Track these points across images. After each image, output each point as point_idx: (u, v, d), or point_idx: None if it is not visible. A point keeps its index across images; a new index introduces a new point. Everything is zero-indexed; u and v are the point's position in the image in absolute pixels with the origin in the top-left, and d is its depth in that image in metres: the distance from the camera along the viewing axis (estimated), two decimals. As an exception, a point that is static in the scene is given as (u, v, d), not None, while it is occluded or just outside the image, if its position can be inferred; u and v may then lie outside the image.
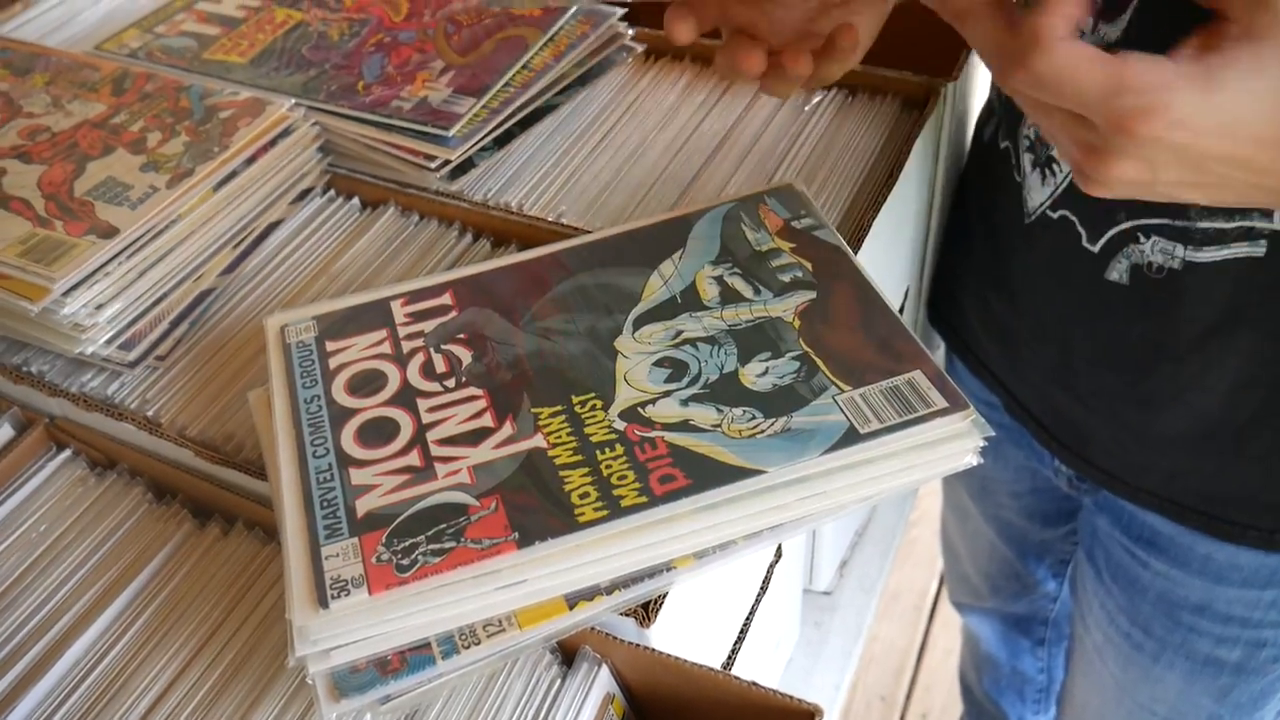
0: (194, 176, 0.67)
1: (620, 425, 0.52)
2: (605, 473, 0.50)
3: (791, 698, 0.47)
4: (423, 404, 0.55)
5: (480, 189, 0.73)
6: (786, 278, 0.59)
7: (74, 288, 0.61)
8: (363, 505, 0.50)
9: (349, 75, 0.77)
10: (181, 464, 0.60)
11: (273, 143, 0.71)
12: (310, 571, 0.47)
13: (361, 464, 0.52)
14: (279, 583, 0.55)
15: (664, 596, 0.50)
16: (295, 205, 0.73)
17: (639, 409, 0.53)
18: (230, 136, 0.70)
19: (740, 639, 0.62)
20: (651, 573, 0.48)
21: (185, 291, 0.67)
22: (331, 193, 0.75)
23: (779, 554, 0.65)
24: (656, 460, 0.50)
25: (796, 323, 0.57)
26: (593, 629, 0.50)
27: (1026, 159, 0.66)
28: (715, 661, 0.60)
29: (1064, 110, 0.42)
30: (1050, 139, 0.47)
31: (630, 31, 0.80)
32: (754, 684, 0.48)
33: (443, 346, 0.58)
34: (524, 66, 0.75)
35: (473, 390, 0.55)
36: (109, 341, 0.63)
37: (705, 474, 0.49)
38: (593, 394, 0.54)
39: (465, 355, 0.57)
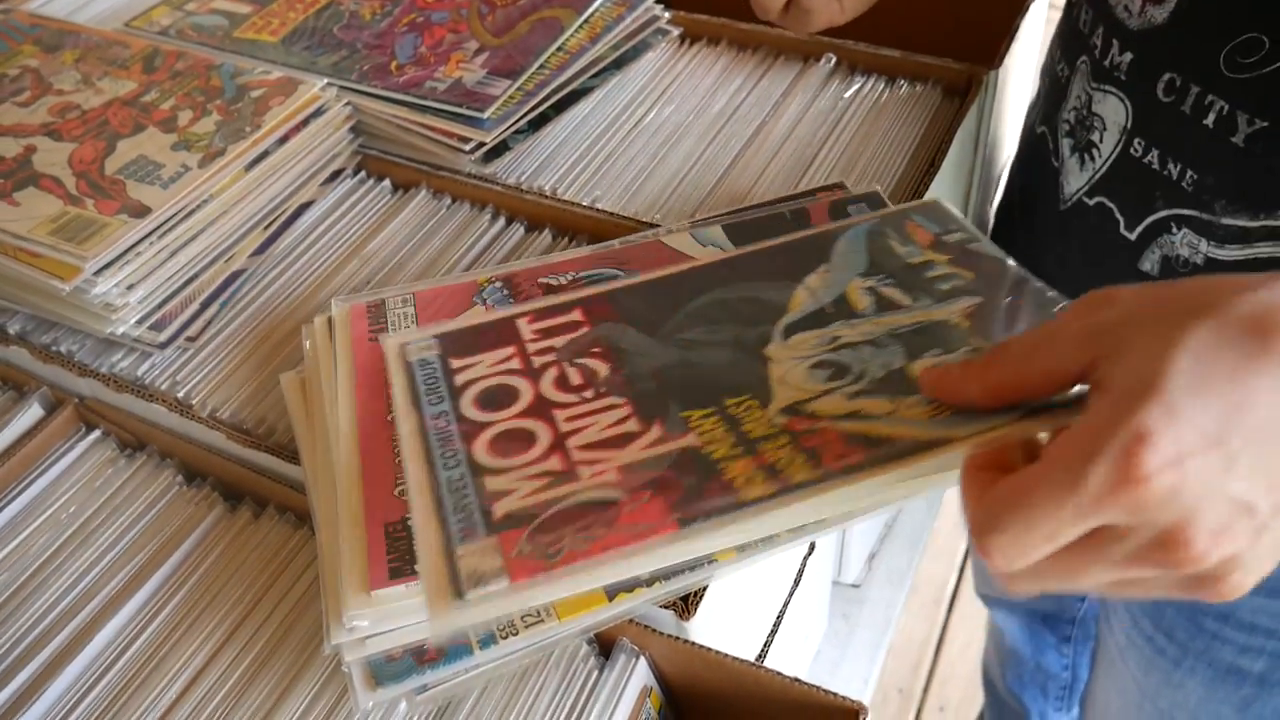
0: (226, 156, 0.66)
1: (782, 420, 0.49)
2: (771, 460, 0.47)
3: (835, 694, 0.46)
4: (559, 414, 0.51)
5: (514, 172, 0.72)
6: (945, 286, 0.56)
7: (105, 267, 0.61)
8: (501, 508, 0.46)
9: (381, 55, 0.76)
10: (212, 446, 0.59)
11: (305, 123, 0.70)
12: (445, 569, 0.44)
13: (497, 472, 0.48)
14: (311, 568, 0.54)
15: (704, 589, 0.49)
16: (326, 186, 0.73)
17: (799, 406, 0.49)
18: (262, 116, 0.69)
19: (773, 632, 0.61)
20: (693, 565, 0.47)
21: (216, 272, 0.66)
22: (363, 174, 0.75)
23: (812, 547, 0.64)
24: (826, 445, 0.47)
25: (965, 323, 0.53)
26: (631, 621, 0.49)
27: (1065, 144, 0.65)
28: (749, 654, 0.59)
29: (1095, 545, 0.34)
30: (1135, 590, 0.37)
31: (666, 14, 0.79)
32: (796, 680, 0.47)
33: (577, 360, 0.54)
34: (559, 48, 0.74)
35: (613, 399, 0.52)
36: (139, 322, 0.62)
37: (884, 449, 0.46)
38: (747, 395, 0.51)
39: (602, 367, 0.54)
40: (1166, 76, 0.56)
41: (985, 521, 0.35)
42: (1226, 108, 0.53)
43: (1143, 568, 0.34)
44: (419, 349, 0.56)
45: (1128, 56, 0.58)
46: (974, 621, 1.62)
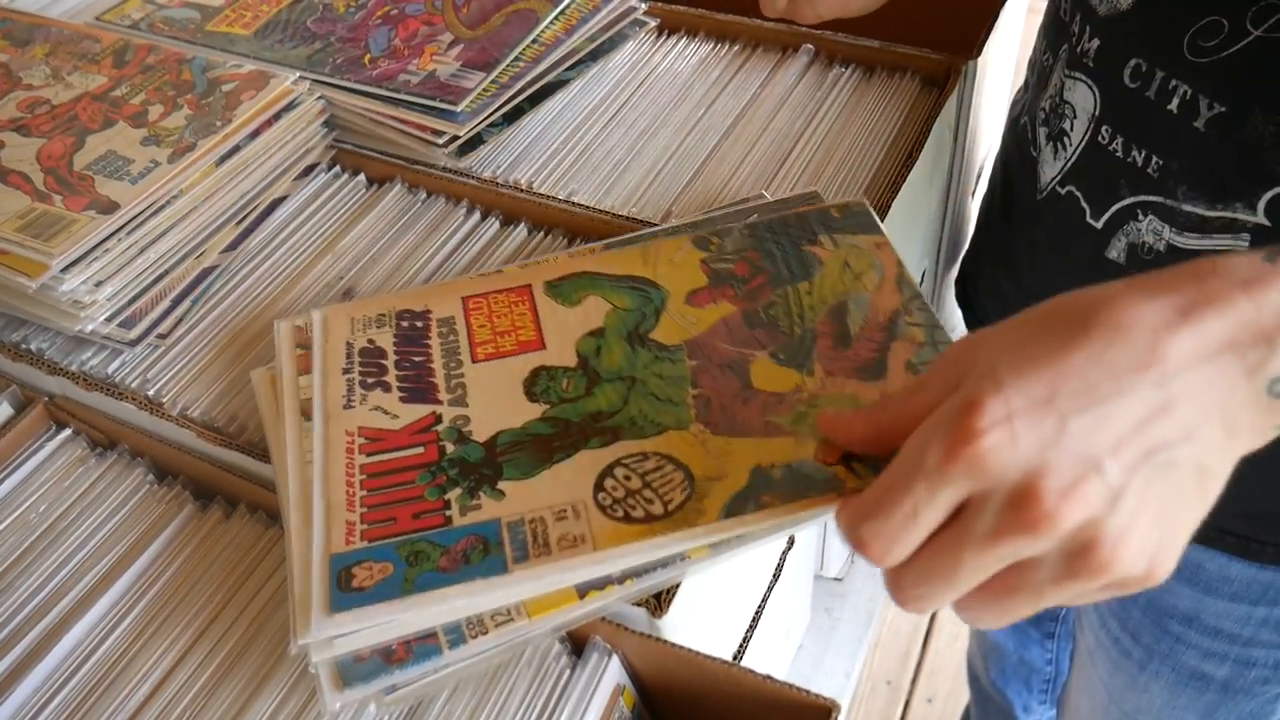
0: (196, 151, 0.65)
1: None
2: None
3: (807, 692, 0.45)
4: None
5: (489, 166, 0.72)
6: None
7: (73, 264, 0.60)
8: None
9: (355, 48, 0.75)
10: (183, 445, 0.58)
11: (277, 117, 0.69)
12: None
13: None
14: (282, 567, 0.54)
15: (677, 586, 0.48)
16: (300, 181, 0.72)
17: None
18: (233, 110, 0.68)
19: (752, 627, 0.61)
20: (665, 562, 0.47)
21: (187, 269, 0.65)
22: (337, 169, 0.74)
23: (791, 541, 0.64)
24: None
25: None
26: (603, 619, 0.49)
27: (1041, 133, 0.65)
28: (727, 650, 0.59)
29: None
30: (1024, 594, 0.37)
31: (643, 5, 0.78)
32: (768, 678, 0.46)
33: None
34: (534, 40, 0.74)
35: None
36: (109, 319, 0.62)
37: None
38: None
39: None
40: (1132, 62, 0.56)
41: (854, 517, 0.37)
42: (1189, 92, 0.53)
43: (1006, 539, 0.35)
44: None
45: (1095, 43, 0.58)
46: (961, 613, 1.62)
